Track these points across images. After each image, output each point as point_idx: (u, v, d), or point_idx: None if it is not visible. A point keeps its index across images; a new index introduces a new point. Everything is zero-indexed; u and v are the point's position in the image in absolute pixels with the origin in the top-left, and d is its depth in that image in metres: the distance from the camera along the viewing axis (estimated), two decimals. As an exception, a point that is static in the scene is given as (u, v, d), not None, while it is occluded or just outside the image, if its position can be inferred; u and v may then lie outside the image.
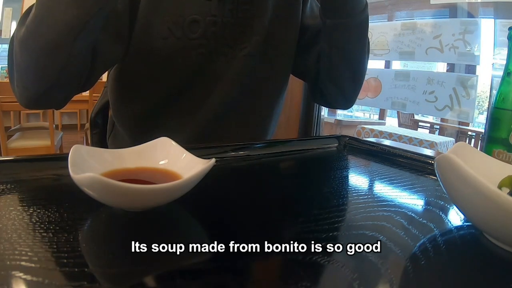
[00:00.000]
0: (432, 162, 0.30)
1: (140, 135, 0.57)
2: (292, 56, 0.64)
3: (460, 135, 2.73)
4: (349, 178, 0.43)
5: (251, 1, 0.56)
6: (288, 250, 0.25)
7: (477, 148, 0.37)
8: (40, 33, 0.40)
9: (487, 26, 2.52)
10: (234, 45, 0.56)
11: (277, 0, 0.60)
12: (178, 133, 0.57)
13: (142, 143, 0.34)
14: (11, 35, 0.46)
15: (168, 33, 0.51)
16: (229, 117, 0.59)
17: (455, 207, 0.32)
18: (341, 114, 3.03)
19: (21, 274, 0.18)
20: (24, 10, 0.47)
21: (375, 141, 0.57)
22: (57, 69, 0.42)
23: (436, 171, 0.29)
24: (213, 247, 0.24)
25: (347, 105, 0.69)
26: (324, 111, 2.15)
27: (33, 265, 0.19)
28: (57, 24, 0.39)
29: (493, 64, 2.52)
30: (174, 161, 0.32)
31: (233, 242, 0.25)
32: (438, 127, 3.02)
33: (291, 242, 0.26)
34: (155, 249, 0.23)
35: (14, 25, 3.63)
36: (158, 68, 0.54)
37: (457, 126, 2.71)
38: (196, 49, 0.53)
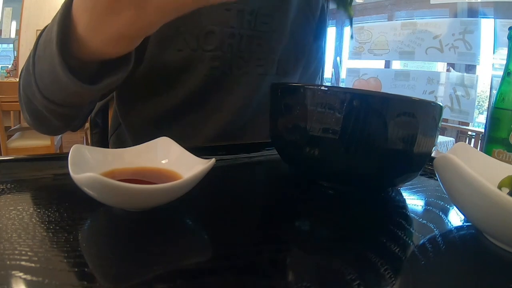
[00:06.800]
0: (432, 162, 0.30)
1: (147, 139, 0.57)
2: (297, 75, 0.65)
3: (460, 135, 2.73)
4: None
5: (271, 15, 0.55)
6: (288, 250, 0.25)
7: (477, 148, 0.37)
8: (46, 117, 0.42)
9: (487, 26, 2.52)
10: (249, 59, 0.55)
11: (294, 18, 0.59)
12: (187, 141, 0.56)
13: None
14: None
15: (183, 45, 0.50)
16: (238, 130, 0.59)
17: (455, 207, 0.32)
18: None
19: (21, 274, 0.18)
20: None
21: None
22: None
23: (436, 171, 0.29)
24: (213, 247, 0.24)
25: None
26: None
27: (33, 265, 0.19)
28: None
29: (493, 64, 2.52)
30: (174, 161, 0.32)
31: (233, 242, 0.25)
32: (438, 127, 3.02)
33: (291, 242, 0.26)
34: (155, 249, 0.23)
35: (14, 25, 3.63)
36: (169, 79, 0.53)
37: (457, 126, 2.71)
38: (211, 62, 0.52)
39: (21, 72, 0.42)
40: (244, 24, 0.52)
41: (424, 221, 0.30)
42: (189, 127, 0.57)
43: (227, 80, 0.55)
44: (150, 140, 0.34)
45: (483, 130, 2.39)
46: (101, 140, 0.70)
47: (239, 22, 0.52)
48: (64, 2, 0.31)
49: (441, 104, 0.33)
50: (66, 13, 0.31)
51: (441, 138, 2.52)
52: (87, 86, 0.33)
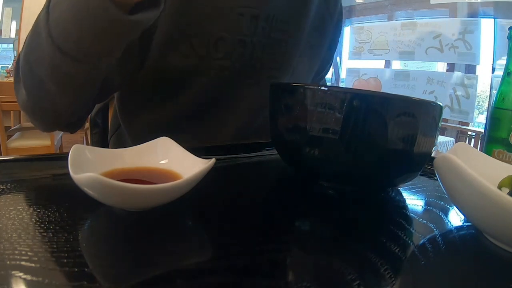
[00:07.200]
0: (432, 162, 0.30)
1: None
2: (310, 81, 0.63)
3: (460, 135, 2.73)
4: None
5: (287, 21, 0.51)
6: (288, 250, 0.25)
7: (477, 148, 0.37)
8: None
9: (487, 26, 2.52)
10: (261, 68, 0.52)
11: (312, 22, 0.56)
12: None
13: None
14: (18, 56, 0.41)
15: (190, 51, 0.47)
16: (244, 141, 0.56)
17: (455, 207, 0.32)
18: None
19: (21, 274, 0.18)
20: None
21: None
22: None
23: (436, 171, 0.29)
24: (213, 247, 0.24)
25: None
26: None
27: (33, 265, 0.19)
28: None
29: (493, 64, 2.52)
30: (174, 161, 0.32)
31: (233, 242, 0.25)
32: (438, 127, 3.02)
33: (291, 242, 0.26)
34: (155, 249, 0.23)
35: (14, 25, 3.63)
36: (173, 85, 0.50)
37: (457, 126, 2.71)
38: (219, 71, 0.49)
39: (23, 46, 0.39)
40: (258, 32, 0.49)
41: (424, 221, 0.30)
42: (191, 139, 0.54)
43: (234, 91, 0.52)
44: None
45: (483, 130, 2.39)
46: (101, 140, 0.70)
47: (252, 29, 0.49)
48: None
49: (441, 104, 0.33)
50: None
51: (441, 138, 2.52)
52: (118, 12, 0.31)
